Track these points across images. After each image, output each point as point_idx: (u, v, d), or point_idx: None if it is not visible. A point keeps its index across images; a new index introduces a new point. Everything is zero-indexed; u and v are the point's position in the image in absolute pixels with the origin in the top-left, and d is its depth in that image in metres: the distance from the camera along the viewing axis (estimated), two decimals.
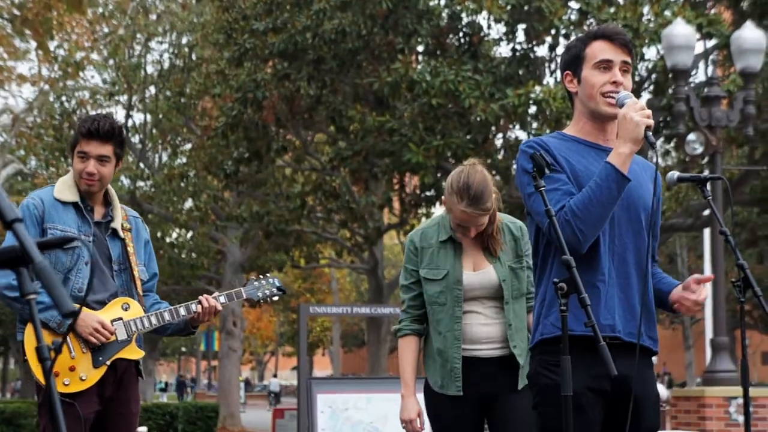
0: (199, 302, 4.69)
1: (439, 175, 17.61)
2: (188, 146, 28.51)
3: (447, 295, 4.63)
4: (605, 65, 3.65)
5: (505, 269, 4.67)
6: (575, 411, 3.32)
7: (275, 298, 5.01)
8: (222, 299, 4.82)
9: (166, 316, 4.68)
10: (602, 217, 3.47)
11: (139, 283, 4.71)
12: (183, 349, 70.45)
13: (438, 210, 20.69)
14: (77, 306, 4.22)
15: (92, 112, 27.69)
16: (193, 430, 19.46)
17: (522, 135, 17.69)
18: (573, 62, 3.71)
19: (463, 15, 16.99)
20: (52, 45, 24.11)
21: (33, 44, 24.68)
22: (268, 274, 5.07)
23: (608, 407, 3.52)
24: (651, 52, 17.05)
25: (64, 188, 4.64)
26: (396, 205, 20.70)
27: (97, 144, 4.57)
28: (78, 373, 4.47)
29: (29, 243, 1.65)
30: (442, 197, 4.76)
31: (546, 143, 3.62)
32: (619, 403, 3.51)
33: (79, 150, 4.59)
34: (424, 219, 23.70)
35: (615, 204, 3.47)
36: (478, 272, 4.67)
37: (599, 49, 3.68)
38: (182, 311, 4.72)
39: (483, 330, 4.61)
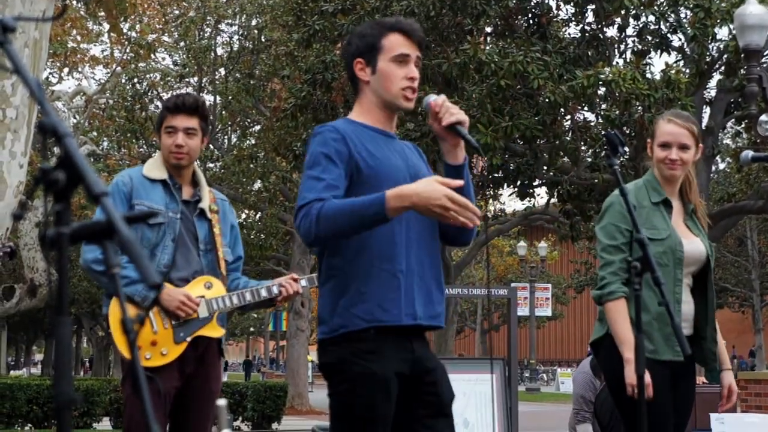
0: (282, 286, 4.75)
1: (507, 156, 17.54)
2: (257, 128, 28.71)
3: (669, 256, 4.43)
4: (402, 59, 3.61)
5: (707, 242, 4.55)
6: (385, 395, 3.46)
7: None
8: (303, 282, 4.88)
9: (248, 296, 4.75)
10: (342, 235, 3.44)
11: (223, 264, 4.78)
12: (251, 329, 71.13)
13: (506, 191, 20.62)
14: (161, 276, 4.31)
15: (163, 94, 28.03)
16: (262, 409, 19.63)
17: (590, 116, 17.56)
18: (367, 51, 3.63)
19: None
20: (124, 27, 24.41)
21: (106, 26, 25.02)
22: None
23: (405, 387, 3.56)
24: (723, 32, 16.81)
25: (153, 167, 4.75)
26: None
27: (183, 117, 4.70)
28: (159, 348, 4.54)
29: (115, 216, 1.69)
30: (647, 143, 4.57)
31: (343, 131, 3.56)
32: (415, 382, 3.57)
33: (167, 125, 4.71)
34: (492, 201, 23.64)
35: (360, 231, 3.41)
36: (690, 240, 4.51)
37: (397, 43, 3.63)
38: (264, 293, 4.78)
39: (684, 307, 4.46)
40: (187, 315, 4.59)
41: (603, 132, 4.20)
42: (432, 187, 3.35)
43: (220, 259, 4.77)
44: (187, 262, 4.67)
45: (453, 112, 3.53)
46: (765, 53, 15.74)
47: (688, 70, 16.79)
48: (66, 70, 26.64)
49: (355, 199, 3.40)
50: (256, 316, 63.78)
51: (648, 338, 4.32)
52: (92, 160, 28.21)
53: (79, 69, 27.60)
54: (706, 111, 17.84)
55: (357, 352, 3.48)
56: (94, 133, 28.61)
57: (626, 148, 15.77)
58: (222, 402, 3.33)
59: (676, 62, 17.51)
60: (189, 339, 4.62)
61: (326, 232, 3.39)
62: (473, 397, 8.63)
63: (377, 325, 3.47)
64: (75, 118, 27.33)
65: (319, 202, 3.40)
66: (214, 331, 4.71)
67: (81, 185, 1.72)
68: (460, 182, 3.46)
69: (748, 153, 4.62)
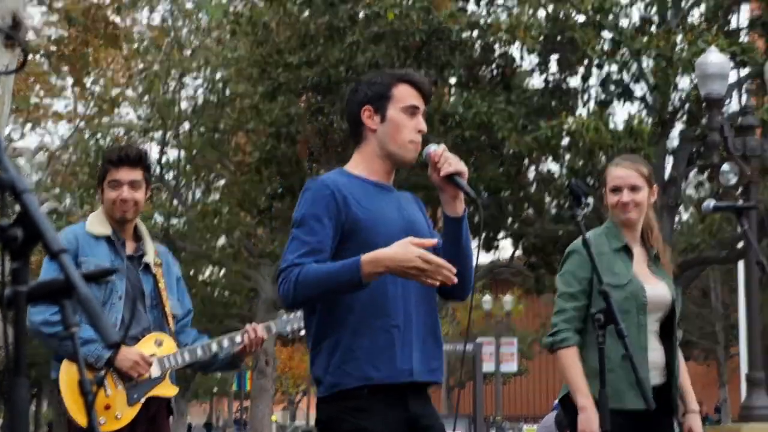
0: (246, 332, 4.67)
1: (471, 208, 17.55)
2: (222, 182, 28.61)
3: (632, 302, 4.38)
4: (412, 111, 3.63)
5: (673, 287, 4.54)
6: None
7: (302, 332, 5.02)
8: (273, 328, 4.86)
9: (199, 352, 4.68)
10: (320, 299, 3.45)
11: (171, 319, 4.71)
12: (215, 389, 70.42)
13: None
14: (120, 336, 4.25)
15: None
16: None
17: (555, 167, 17.67)
18: (377, 99, 3.62)
19: (496, 46, 17.05)
20: (87, 81, 24.38)
21: (69, 81, 24.96)
22: (296, 310, 5.09)
23: None
24: (684, 82, 17.01)
25: (96, 222, 4.69)
26: None
27: (127, 170, 4.65)
28: (113, 412, 4.46)
29: (74, 274, 1.67)
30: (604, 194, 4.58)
31: (334, 185, 3.54)
32: None
33: (111, 179, 4.66)
34: None
35: (337, 294, 3.42)
36: (653, 286, 4.49)
37: (408, 94, 3.64)
38: (225, 342, 4.71)
39: (652, 355, 4.39)
40: (141, 375, 4.51)
41: (567, 183, 4.27)
42: (405, 250, 3.32)
43: (168, 315, 4.70)
44: (136, 320, 4.61)
45: (451, 163, 3.53)
46: (726, 102, 15.94)
47: (650, 120, 16.97)
48: (29, 125, 26.52)
49: (332, 266, 3.38)
50: (219, 376, 63.17)
51: (612, 388, 4.29)
52: (54, 217, 28.02)
53: (42, 125, 27.48)
54: (669, 161, 18.00)
55: (348, 410, 3.44)
56: (57, 190, 28.42)
57: (591, 199, 15.88)
58: None
59: (638, 112, 17.69)
60: (143, 400, 4.54)
61: (304, 298, 3.39)
62: None
63: (369, 383, 3.44)
64: (37, 174, 27.18)
65: (297, 267, 3.38)
66: (167, 390, 4.65)
67: (40, 242, 1.70)
68: (432, 241, 3.46)
69: (710, 203, 4.66)
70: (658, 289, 4.50)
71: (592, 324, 3.48)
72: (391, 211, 3.61)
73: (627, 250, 4.53)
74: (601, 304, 3.68)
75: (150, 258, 4.72)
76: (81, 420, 4.34)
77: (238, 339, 4.69)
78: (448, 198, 3.64)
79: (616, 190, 4.53)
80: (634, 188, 4.51)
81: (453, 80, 17.87)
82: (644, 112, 17.71)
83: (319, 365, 3.54)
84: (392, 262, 3.32)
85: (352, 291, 3.38)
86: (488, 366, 37.44)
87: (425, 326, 3.57)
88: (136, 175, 4.67)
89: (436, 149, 3.59)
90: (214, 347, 4.71)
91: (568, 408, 4.49)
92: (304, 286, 3.36)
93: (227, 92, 25.30)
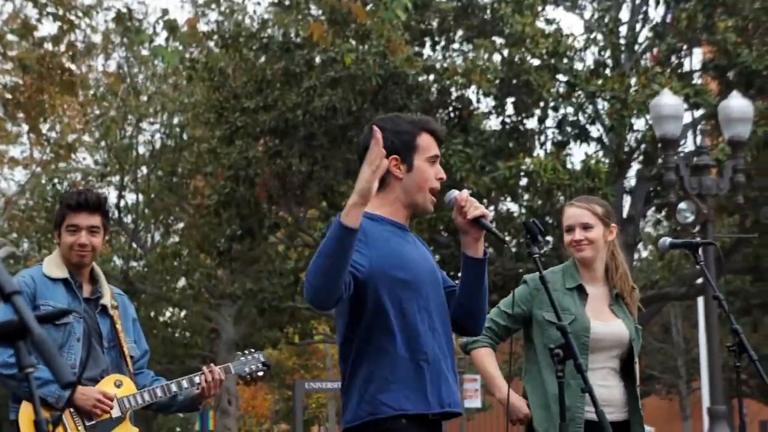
0: (203, 373, 4.68)
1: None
2: (181, 225, 28.53)
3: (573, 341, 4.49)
4: (434, 160, 3.73)
5: (632, 326, 4.57)
6: None
7: (260, 374, 5.02)
8: (231, 369, 4.88)
9: (158, 392, 4.67)
10: (331, 273, 3.42)
11: (129, 360, 4.70)
12: (178, 429, 69.73)
13: None
14: (76, 376, 4.21)
15: None
16: None
17: (513, 207, 17.76)
18: (404, 149, 3.68)
19: (453, 89, 17.18)
20: (44, 128, 24.24)
21: (25, 127, 24.82)
22: (253, 350, 5.08)
23: None
24: (639, 123, 17.21)
25: (53, 266, 4.67)
26: None
27: (86, 215, 4.63)
28: None
29: (28, 315, 1.65)
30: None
31: (363, 229, 3.54)
32: None
33: (69, 224, 4.63)
34: None
35: (342, 257, 3.41)
36: (607, 324, 4.53)
37: (430, 143, 3.73)
38: (185, 383, 4.71)
39: (601, 391, 4.29)
40: (103, 413, 4.49)
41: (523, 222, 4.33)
42: (362, 173, 3.44)
43: (126, 356, 4.69)
44: (95, 362, 4.59)
45: (477, 206, 3.64)
46: (681, 142, 16.12)
47: (607, 160, 17.13)
48: None
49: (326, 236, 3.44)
50: (182, 416, 62.68)
51: (543, 423, 4.44)
52: (12, 261, 27.76)
53: None
54: (627, 200, 18.16)
55: None
56: (14, 235, 28.19)
57: (549, 238, 15.98)
58: None
59: (595, 152, 17.86)
60: None
61: (318, 280, 3.39)
62: None
63: (406, 413, 3.51)
64: None
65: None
66: (127, 430, 4.63)
67: None
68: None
69: (666, 240, 4.73)
70: (612, 327, 4.54)
71: (551, 357, 3.51)
72: (413, 253, 3.72)
73: (580, 290, 4.57)
74: (554, 337, 3.71)
75: (107, 300, 4.71)
76: None
77: (197, 380, 4.69)
78: (471, 240, 3.74)
79: (570, 229, 4.61)
80: (586, 227, 4.56)
81: None
82: (601, 153, 17.89)
83: (353, 394, 3.58)
84: (357, 186, 3.42)
85: (347, 243, 3.38)
86: (472, 402, 37.33)
87: (447, 360, 3.67)
88: (95, 220, 4.66)
89: (461, 193, 3.68)
90: (174, 388, 4.70)
91: None
92: (312, 271, 3.39)
93: (185, 136, 25.30)
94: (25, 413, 4.44)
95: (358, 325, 3.57)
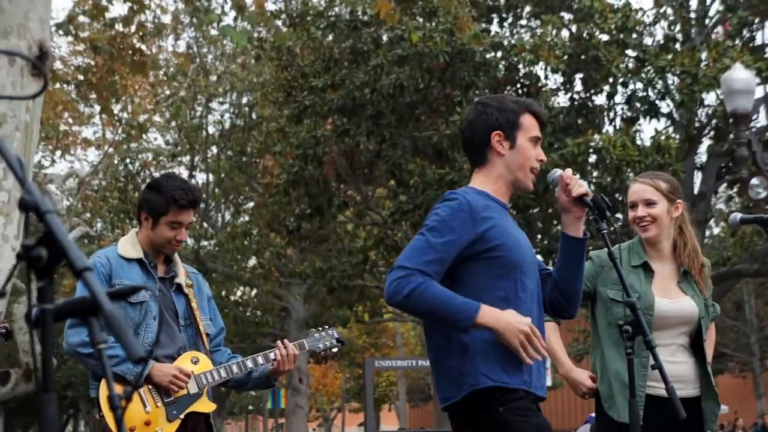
0: (278, 348, 4.73)
1: None
2: (250, 204, 28.73)
3: None
4: (535, 141, 3.77)
5: (701, 303, 4.52)
6: None
7: (335, 350, 5.05)
8: (305, 345, 4.92)
9: (234, 369, 4.73)
10: (423, 317, 3.58)
11: (205, 337, 4.76)
12: (250, 407, 70.47)
13: None
14: (147, 351, 4.27)
15: (156, 174, 28.06)
16: None
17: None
18: (508, 125, 3.73)
19: (520, 66, 17.06)
20: (115, 108, 24.52)
21: (97, 108, 25.14)
22: (326, 327, 5.12)
23: None
24: (710, 98, 16.95)
25: (128, 246, 4.73)
26: None
27: (189, 213, 4.70)
28: (153, 428, 4.50)
29: (99, 292, 1.68)
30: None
31: (475, 205, 3.61)
32: None
33: (173, 220, 4.65)
34: None
35: (437, 323, 3.55)
36: (674, 301, 4.49)
37: (532, 124, 3.78)
38: (260, 359, 4.77)
39: (670, 367, 4.21)
40: (180, 389, 4.55)
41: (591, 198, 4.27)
42: (521, 319, 3.47)
43: (202, 333, 4.75)
44: (171, 339, 4.65)
45: (581, 184, 3.70)
46: (753, 117, 15.87)
47: (677, 136, 16.92)
48: (58, 152, 26.73)
49: (452, 297, 3.46)
50: (254, 394, 63.24)
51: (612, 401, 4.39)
52: (86, 241, 28.17)
53: (72, 151, 27.67)
54: (698, 176, 17.92)
55: (517, 410, 3.51)
56: (87, 215, 28.57)
57: (619, 215, 15.84)
58: None
59: (665, 128, 17.64)
60: (182, 416, 4.58)
61: (409, 309, 3.53)
62: None
63: (528, 388, 3.56)
64: (68, 200, 27.34)
65: (421, 277, 3.47)
66: (205, 406, 4.69)
67: (64, 261, 1.71)
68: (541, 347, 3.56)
69: (737, 216, 4.65)
70: (679, 304, 4.48)
71: (620, 334, 3.49)
72: (517, 233, 3.75)
73: (646, 267, 4.53)
74: (618, 315, 3.70)
75: (181, 279, 4.78)
76: None
77: (272, 356, 4.75)
78: (572, 219, 3.82)
79: (633, 205, 4.57)
80: (649, 203, 4.50)
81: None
82: (671, 129, 17.66)
83: (471, 365, 3.55)
84: (507, 324, 3.44)
85: (455, 329, 3.48)
86: None
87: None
88: (192, 216, 4.76)
89: (564, 172, 3.74)
90: (250, 364, 4.76)
91: (602, 420, 4.50)
92: (418, 302, 3.45)
93: (254, 116, 25.45)
94: (105, 391, 4.50)
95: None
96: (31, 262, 1.70)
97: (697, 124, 17.24)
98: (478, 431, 3.54)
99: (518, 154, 3.72)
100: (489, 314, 3.43)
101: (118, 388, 4.46)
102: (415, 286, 3.45)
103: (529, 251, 3.72)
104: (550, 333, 4.58)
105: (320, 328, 5.07)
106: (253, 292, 30.69)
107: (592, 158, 16.05)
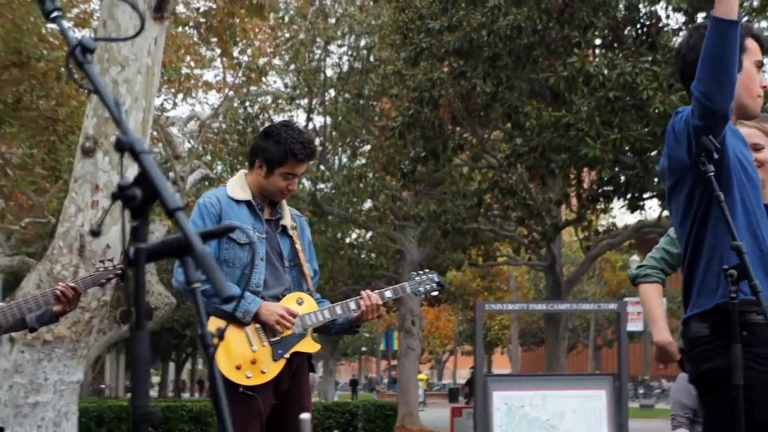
0: (361, 298, 4.77)
1: (617, 169, 17.29)
2: (367, 147, 28.84)
3: None
4: (759, 65, 3.61)
5: None
6: None
7: (435, 293, 5.06)
8: (388, 294, 4.88)
9: (338, 310, 4.77)
10: (717, 75, 3.33)
11: (309, 279, 4.81)
12: (363, 349, 71.35)
13: (617, 204, 20.30)
14: (237, 291, 4.33)
15: (274, 117, 28.35)
16: (373, 428, 19.66)
17: None
18: None
19: (641, 5, 16.66)
20: (235, 51, 24.77)
21: (217, 52, 25.42)
22: (428, 270, 5.12)
23: None
24: None
25: (237, 188, 4.77)
26: (573, 200, 20.42)
27: (304, 166, 4.75)
28: (259, 366, 4.57)
29: (190, 232, 1.69)
30: None
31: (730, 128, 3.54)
32: None
33: (288, 172, 4.69)
34: (602, 215, 23.33)
35: (729, 56, 3.31)
36: None
37: (756, 48, 3.62)
38: (352, 305, 4.80)
39: None
40: (286, 328, 4.61)
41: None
42: None
43: (306, 275, 4.80)
44: (277, 280, 4.71)
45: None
46: None
47: None
48: (180, 95, 27.11)
49: None
50: (368, 335, 63.94)
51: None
52: (207, 183, 28.66)
53: (193, 94, 28.03)
54: None
55: (754, 357, 3.34)
56: (208, 157, 29.04)
57: None
58: (306, 416, 3.33)
59: None
60: (287, 356, 4.65)
61: (706, 86, 3.35)
62: (584, 413, 8.49)
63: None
64: (189, 142, 27.80)
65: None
66: (309, 346, 4.75)
67: (158, 200, 1.73)
68: None
69: None
70: None
71: (725, 278, 3.38)
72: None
73: None
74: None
75: (287, 221, 4.82)
76: (226, 373, 4.47)
77: (353, 306, 4.78)
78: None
79: None
80: (756, 147, 4.34)
81: (597, 41, 17.56)
82: None
83: (706, 281, 3.47)
84: None
85: (728, 33, 3.33)
86: (635, 326, 36.81)
87: None
88: (306, 167, 4.79)
89: None
90: (352, 305, 4.79)
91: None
92: (700, 80, 3.37)
93: (371, 59, 25.44)
94: (213, 326, 4.58)
95: (699, 216, 3.52)
96: (126, 201, 1.72)
97: None
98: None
99: (745, 78, 3.56)
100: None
101: (213, 326, 4.53)
102: (699, 76, 3.38)
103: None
104: (652, 294, 4.44)
105: (421, 272, 5.08)
106: (368, 235, 30.89)
107: None
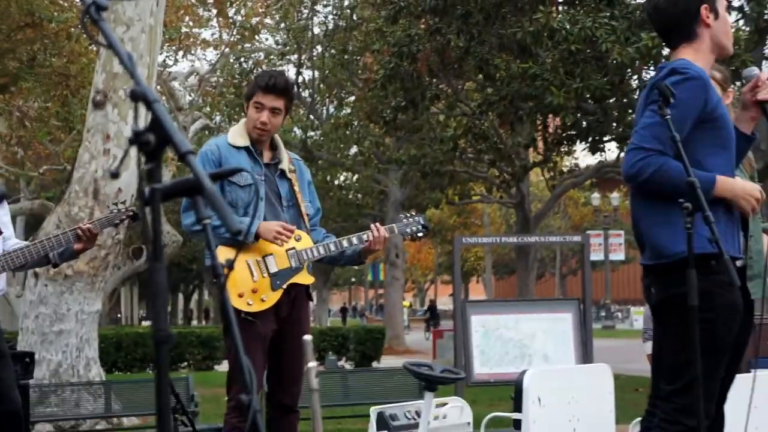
0: (371, 231, 4.77)
1: (579, 115, 17.28)
2: (352, 98, 28.72)
3: None
4: (728, 9, 3.67)
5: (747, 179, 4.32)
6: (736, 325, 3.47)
7: (420, 234, 5.05)
8: (395, 229, 4.96)
9: (332, 247, 4.78)
10: (663, 192, 3.39)
11: (306, 218, 4.80)
12: (353, 279, 71.59)
13: (579, 147, 20.34)
14: (244, 224, 4.34)
15: None
16: (363, 350, 19.81)
17: None
18: None
19: None
20: (230, 12, 24.56)
21: (214, 12, 25.20)
22: (414, 213, 5.12)
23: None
24: None
25: (237, 135, 4.75)
26: (540, 144, 20.46)
27: (272, 98, 4.66)
28: (259, 295, 4.59)
29: (201, 172, 1.69)
30: None
31: (707, 80, 3.48)
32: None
33: (256, 101, 4.66)
34: (566, 157, 23.37)
35: (676, 195, 3.31)
36: None
37: None
38: (355, 240, 4.81)
39: None
40: (285, 242, 4.61)
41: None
42: (752, 187, 3.47)
43: (303, 214, 4.79)
44: (276, 218, 4.69)
45: None
46: None
47: (747, 28, 16.31)
48: (181, 53, 26.89)
49: (691, 175, 3.30)
50: (356, 268, 64.27)
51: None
52: (207, 132, 28.53)
53: (192, 52, 27.80)
54: (766, 66, 17.31)
55: (719, 284, 3.35)
56: (207, 109, 28.89)
57: None
58: (308, 337, 3.35)
59: (736, 21, 17.02)
60: (284, 286, 4.66)
61: (653, 185, 3.38)
62: (552, 334, 8.58)
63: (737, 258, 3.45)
64: (190, 95, 27.63)
65: (662, 158, 3.35)
66: (305, 278, 4.77)
67: (169, 145, 1.72)
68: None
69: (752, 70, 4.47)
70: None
71: (681, 210, 3.37)
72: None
73: None
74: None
75: (285, 165, 4.80)
76: (233, 301, 4.49)
77: (365, 237, 4.78)
78: (747, 118, 3.68)
79: None
80: None
81: None
82: (741, 21, 17.04)
83: (669, 234, 3.44)
84: (741, 191, 3.42)
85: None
86: (597, 255, 37.15)
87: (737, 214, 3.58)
88: (279, 103, 4.69)
89: (761, 74, 3.62)
90: (345, 243, 4.81)
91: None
92: (662, 179, 3.35)
93: (354, 17, 25.24)
94: (222, 257, 4.56)
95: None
96: (141, 146, 1.72)
97: (766, 17, 16.57)
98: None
99: (721, 23, 3.60)
100: (723, 186, 3.39)
101: (223, 257, 4.53)
102: (657, 165, 3.35)
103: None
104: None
105: (408, 214, 5.08)
106: (355, 177, 30.91)
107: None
